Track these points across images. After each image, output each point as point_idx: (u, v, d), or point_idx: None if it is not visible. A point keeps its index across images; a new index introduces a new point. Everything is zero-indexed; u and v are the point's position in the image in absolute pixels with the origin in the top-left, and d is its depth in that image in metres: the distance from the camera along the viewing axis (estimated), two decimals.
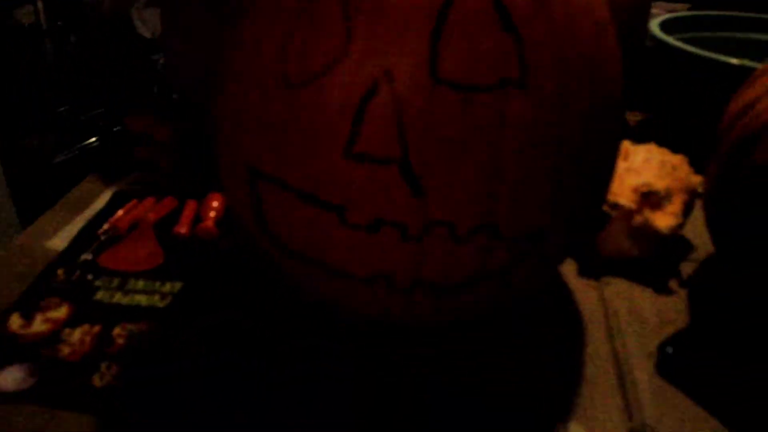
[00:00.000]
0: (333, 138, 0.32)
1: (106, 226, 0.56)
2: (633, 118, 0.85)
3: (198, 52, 0.63)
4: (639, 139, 0.76)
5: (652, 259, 0.51)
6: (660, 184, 0.52)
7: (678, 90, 0.78)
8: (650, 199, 0.51)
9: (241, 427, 0.38)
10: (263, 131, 0.35)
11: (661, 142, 0.57)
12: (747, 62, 0.64)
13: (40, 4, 1.70)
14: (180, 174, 0.63)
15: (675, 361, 0.42)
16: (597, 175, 0.38)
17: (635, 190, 0.51)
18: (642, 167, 0.54)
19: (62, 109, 1.60)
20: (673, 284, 0.51)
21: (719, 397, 0.40)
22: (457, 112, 0.31)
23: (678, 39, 0.82)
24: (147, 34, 1.68)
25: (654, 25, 0.78)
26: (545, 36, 0.32)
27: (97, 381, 0.41)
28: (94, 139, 1.57)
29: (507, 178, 0.33)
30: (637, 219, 0.50)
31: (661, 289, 0.50)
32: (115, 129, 1.64)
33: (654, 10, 0.99)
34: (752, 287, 0.45)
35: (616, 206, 0.50)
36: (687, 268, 0.53)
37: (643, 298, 0.49)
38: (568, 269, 0.52)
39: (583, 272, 0.51)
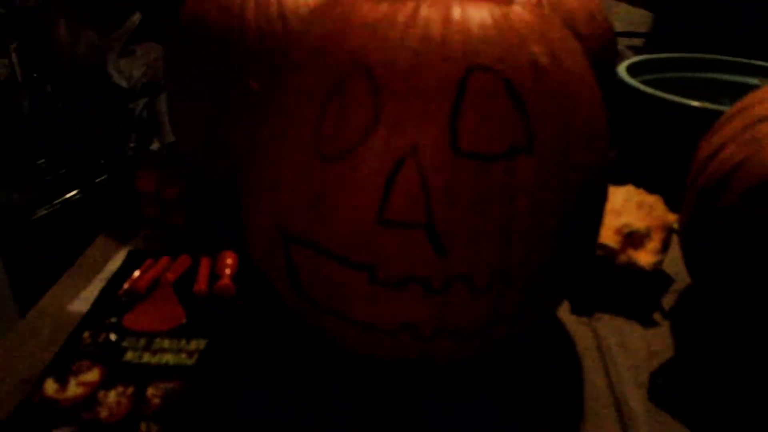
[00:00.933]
0: (365, 207, 0.36)
1: (125, 287, 0.58)
2: None
3: (200, 123, 0.67)
4: (612, 175, 0.82)
5: (637, 294, 0.56)
6: (640, 224, 0.57)
7: (645, 130, 0.85)
8: (632, 238, 0.56)
9: None
10: (299, 200, 0.38)
11: (633, 179, 0.63)
12: (708, 105, 0.70)
13: (14, 57, 1.71)
14: (189, 231, 0.66)
15: (666, 390, 0.46)
16: (594, 221, 0.43)
17: (618, 231, 0.56)
18: (622, 208, 0.59)
19: (41, 161, 1.61)
20: (657, 317, 0.55)
21: (708, 420, 0.44)
22: (475, 179, 0.36)
23: (645, 80, 0.88)
24: (123, 84, 1.70)
25: (621, 68, 0.84)
26: (547, 105, 0.37)
27: None
28: (75, 192, 1.57)
29: (518, 232, 0.37)
30: (622, 258, 0.55)
31: (647, 322, 0.55)
32: (96, 181, 1.65)
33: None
34: (728, 316, 0.50)
35: (602, 247, 0.55)
36: (669, 300, 0.58)
37: (632, 331, 0.53)
38: (562, 307, 0.56)
39: (576, 310, 0.56)
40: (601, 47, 0.77)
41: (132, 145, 1.63)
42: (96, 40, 1.59)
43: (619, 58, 1.00)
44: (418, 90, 0.35)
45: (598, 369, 0.49)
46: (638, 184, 0.63)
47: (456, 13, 0.38)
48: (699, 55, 0.92)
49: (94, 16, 1.61)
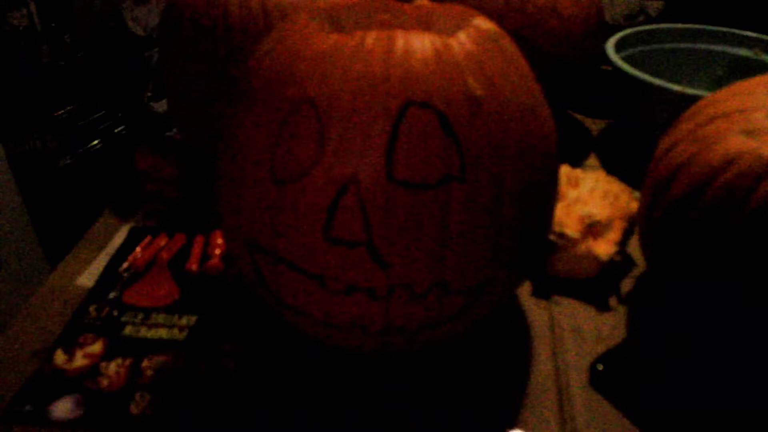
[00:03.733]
0: (313, 225, 0.41)
1: (126, 265, 0.64)
2: (595, 126, 0.93)
3: (194, 105, 0.71)
4: (601, 146, 0.84)
5: (596, 280, 0.60)
6: (602, 215, 0.60)
7: (629, 106, 0.86)
8: (593, 228, 0.60)
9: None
10: (258, 215, 0.43)
11: (620, 151, 0.65)
12: (688, 90, 0.72)
13: (33, 7, 1.74)
14: (185, 208, 0.72)
15: (604, 377, 0.51)
16: (532, 233, 0.47)
17: (581, 220, 0.60)
18: (588, 197, 0.62)
19: (62, 112, 1.66)
20: (612, 301, 0.60)
21: (642, 408, 0.49)
22: (410, 205, 0.40)
23: (635, 53, 0.89)
24: (139, 32, 1.73)
25: (609, 44, 0.85)
26: (481, 138, 0.41)
27: (133, 409, 0.50)
28: (96, 141, 1.64)
29: (453, 250, 0.42)
30: (581, 247, 0.59)
31: (602, 306, 0.59)
32: (116, 131, 1.71)
33: None
34: (681, 299, 0.54)
35: (563, 236, 0.59)
36: (628, 285, 0.62)
37: (586, 316, 0.58)
38: (523, 290, 0.61)
39: (536, 293, 0.60)
40: (584, 27, 0.78)
41: (149, 94, 1.67)
42: None
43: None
44: (359, 124, 0.39)
45: (548, 353, 0.54)
46: (628, 163, 0.65)
47: (399, 44, 0.41)
48: (690, 26, 0.92)
49: None
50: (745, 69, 0.90)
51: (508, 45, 0.46)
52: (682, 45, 0.92)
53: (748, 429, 0.48)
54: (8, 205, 1.26)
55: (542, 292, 0.60)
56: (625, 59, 0.87)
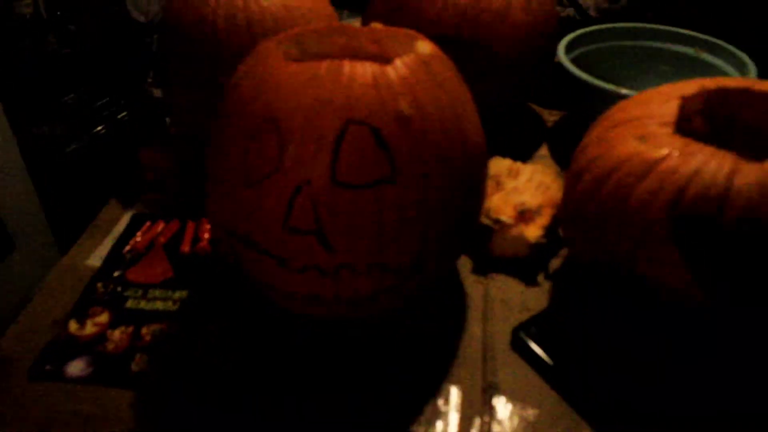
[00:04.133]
0: (275, 218, 0.51)
1: (128, 247, 0.75)
2: (551, 118, 1.02)
3: (192, 105, 0.81)
4: (553, 138, 0.94)
5: (527, 259, 0.70)
6: (533, 202, 0.70)
7: (575, 102, 0.96)
8: (525, 214, 0.70)
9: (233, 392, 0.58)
10: (235, 210, 0.54)
11: (569, 142, 0.73)
12: (621, 89, 0.81)
13: None
14: (181, 196, 0.82)
15: (523, 341, 0.62)
16: (457, 222, 0.57)
17: (515, 207, 0.70)
18: (524, 187, 0.73)
19: (67, 98, 1.75)
20: (540, 278, 0.70)
21: (555, 368, 0.60)
22: (350, 202, 0.50)
23: (585, 52, 0.98)
24: (141, 19, 1.82)
25: (561, 44, 0.94)
26: (409, 148, 0.51)
27: (134, 367, 0.61)
28: (101, 127, 1.74)
29: (386, 237, 0.52)
30: (514, 231, 0.69)
31: (530, 281, 0.69)
32: (119, 116, 1.80)
33: None
34: (589, 276, 0.65)
35: (498, 221, 0.69)
36: (556, 264, 0.72)
37: (515, 290, 0.68)
38: (465, 268, 0.71)
39: (476, 270, 0.71)
40: (538, 32, 0.87)
41: (150, 80, 1.76)
42: None
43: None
44: (310, 138, 0.49)
45: (479, 321, 0.65)
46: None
47: (345, 72, 0.51)
48: (635, 25, 1.01)
49: None
50: (690, 66, 0.99)
51: (440, 67, 0.56)
52: (628, 43, 1.01)
53: (640, 374, 0.58)
54: (20, 189, 1.36)
55: (480, 270, 0.71)
56: (578, 57, 0.96)
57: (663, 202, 0.53)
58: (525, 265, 0.71)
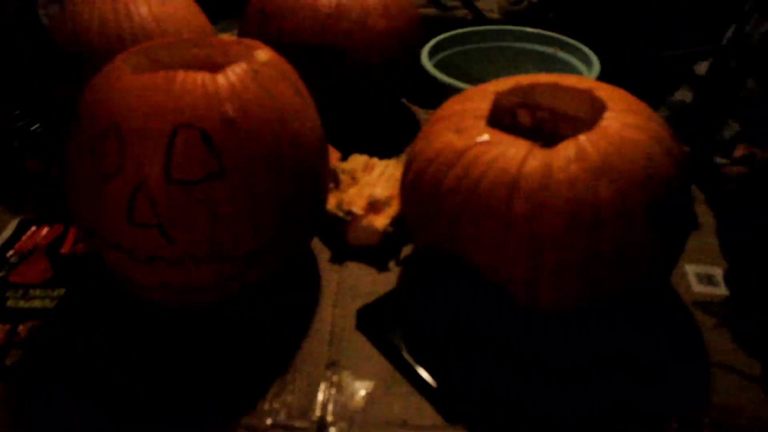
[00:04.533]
0: (121, 215, 0.57)
1: (12, 251, 0.80)
2: (426, 116, 1.10)
3: None
4: None
5: (379, 247, 0.78)
6: (384, 194, 0.78)
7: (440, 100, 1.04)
8: (375, 206, 0.77)
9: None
10: (89, 209, 0.59)
11: None
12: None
13: None
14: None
15: (367, 322, 0.69)
16: (295, 213, 0.64)
17: (366, 199, 0.77)
18: (376, 181, 0.80)
19: None
20: (392, 264, 0.77)
21: (392, 343, 0.67)
22: (185, 196, 0.56)
23: (450, 54, 1.07)
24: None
25: (425, 48, 1.01)
26: (235, 147, 0.57)
27: (7, 361, 0.66)
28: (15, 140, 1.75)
29: (222, 228, 0.58)
30: (364, 222, 0.77)
31: (381, 268, 0.77)
32: (32, 129, 1.81)
33: None
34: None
35: (350, 213, 0.76)
36: (407, 251, 0.80)
37: (367, 276, 0.75)
38: (323, 257, 0.78)
39: (333, 259, 0.78)
40: (399, 36, 0.95)
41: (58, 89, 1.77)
42: None
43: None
44: (147, 141, 0.56)
45: (330, 305, 0.72)
46: None
47: (179, 81, 0.57)
48: (495, 27, 1.10)
49: None
50: (551, 64, 1.08)
51: (270, 73, 0.62)
52: (494, 44, 1.10)
53: (468, 351, 0.66)
54: None
55: (337, 259, 0.78)
56: (445, 59, 1.05)
57: (466, 188, 0.60)
58: (377, 253, 0.78)
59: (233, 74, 0.60)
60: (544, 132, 0.73)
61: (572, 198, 0.56)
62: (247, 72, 0.60)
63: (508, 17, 1.49)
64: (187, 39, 0.70)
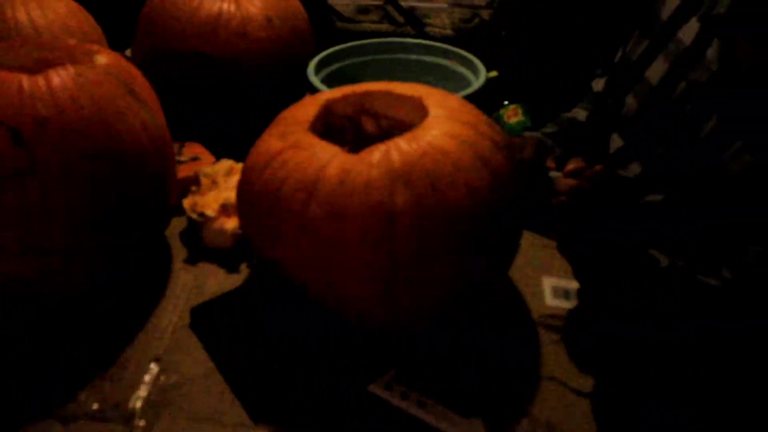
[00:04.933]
0: None
1: None
2: None
3: None
4: None
5: (232, 249, 0.80)
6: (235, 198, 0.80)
7: None
8: (227, 209, 0.79)
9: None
10: None
11: None
12: None
13: None
14: None
15: (197, 320, 0.71)
16: (116, 209, 0.66)
17: (221, 203, 0.79)
18: (225, 184, 0.82)
19: None
20: (243, 266, 0.79)
21: (216, 342, 0.69)
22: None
23: (346, 65, 1.09)
24: None
25: (312, 62, 1.01)
26: (49, 144, 0.60)
27: None
28: None
29: (37, 221, 0.60)
30: (216, 224, 0.79)
31: (232, 270, 0.79)
32: None
33: None
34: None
35: (202, 215, 0.78)
36: None
37: (216, 277, 0.78)
38: (181, 256, 0.80)
39: (188, 260, 0.80)
40: (276, 48, 0.97)
41: None
42: None
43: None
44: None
45: (176, 304, 0.74)
46: None
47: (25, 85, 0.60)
48: (384, 40, 1.12)
49: None
50: (448, 75, 1.11)
51: (97, 77, 0.65)
52: (386, 56, 1.12)
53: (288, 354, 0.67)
54: None
55: (192, 260, 0.80)
56: (338, 70, 1.07)
57: (272, 191, 0.62)
58: (231, 255, 0.80)
59: (56, 76, 0.62)
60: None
61: (367, 202, 0.58)
62: (70, 74, 0.63)
63: (460, 34, 1.52)
64: (36, 42, 0.72)
